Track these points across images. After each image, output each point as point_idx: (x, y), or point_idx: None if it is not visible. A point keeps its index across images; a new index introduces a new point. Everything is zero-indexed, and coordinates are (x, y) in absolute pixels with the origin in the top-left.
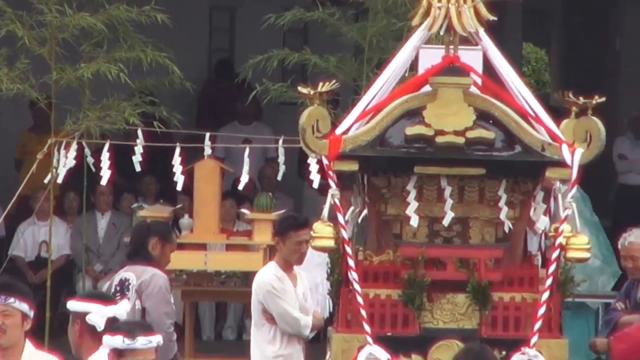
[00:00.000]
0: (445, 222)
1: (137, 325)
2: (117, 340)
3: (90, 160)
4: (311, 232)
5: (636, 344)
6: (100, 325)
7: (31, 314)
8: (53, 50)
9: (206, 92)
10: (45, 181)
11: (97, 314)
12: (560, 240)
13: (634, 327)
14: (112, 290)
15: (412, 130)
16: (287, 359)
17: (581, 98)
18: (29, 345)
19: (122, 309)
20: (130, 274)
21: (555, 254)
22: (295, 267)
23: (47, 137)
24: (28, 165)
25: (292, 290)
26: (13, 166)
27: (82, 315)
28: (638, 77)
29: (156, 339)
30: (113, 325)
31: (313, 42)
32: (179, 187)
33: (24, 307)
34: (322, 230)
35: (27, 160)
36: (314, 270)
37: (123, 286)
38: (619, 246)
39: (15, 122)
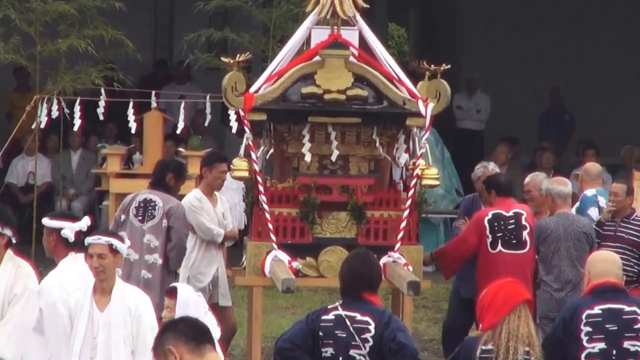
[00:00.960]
0: (333, 158)
1: (103, 231)
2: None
3: (66, 111)
4: (231, 166)
5: (450, 253)
6: (71, 237)
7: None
8: (37, 30)
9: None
10: (32, 127)
11: (69, 229)
12: (417, 171)
13: (450, 243)
14: (135, 204)
15: (306, 90)
16: (206, 260)
17: (432, 65)
18: (9, 254)
19: (84, 224)
20: (156, 197)
21: (413, 182)
22: (216, 192)
23: (30, 95)
24: (17, 116)
25: (210, 208)
26: (5, 115)
27: (57, 230)
28: (473, 47)
29: (108, 240)
30: (81, 236)
31: (232, 23)
32: (133, 131)
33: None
34: (239, 164)
35: (15, 113)
36: (232, 194)
37: (148, 204)
38: (472, 177)
39: (4, 85)
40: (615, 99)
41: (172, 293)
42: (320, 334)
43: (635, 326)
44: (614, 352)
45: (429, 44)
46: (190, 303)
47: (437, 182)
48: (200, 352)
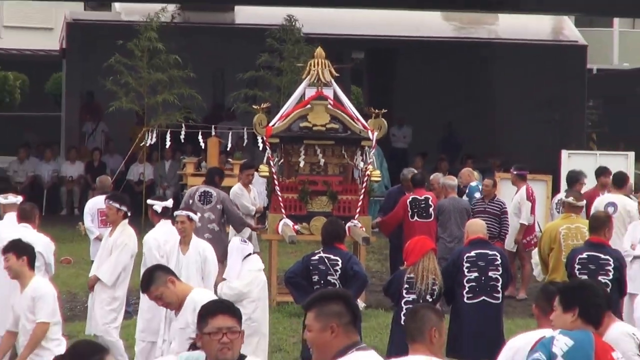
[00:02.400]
0: (321, 163)
1: (184, 208)
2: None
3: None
4: (259, 169)
5: (388, 221)
6: (159, 210)
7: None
8: (145, 89)
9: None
10: (141, 145)
11: (158, 206)
12: (367, 172)
13: (388, 216)
14: (197, 194)
15: (303, 124)
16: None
17: (376, 110)
18: (124, 222)
19: (170, 203)
20: (211, 190)
21: (365, 179)
22: (250, 185)
23: (142, 128)
24: (134, 140)
25: (247, 195)
26: (128, 139)
27: (152, 206)
28: (402, 99)
29: (187, 213)
30: (168, 209)
31: (259, 85)
32: (202, 148)
33: (123, 207)
34: (263, 169)
35: (134, 138)
36: (259, 185)
37: (207, 194)
38: (401, 176)
39: (127, 121)
40: (484, 130)
41: None
42: (310, 267)
43: (496, 262)
44: (483, 278)
45: (374, 97)
46: (233, 252)
47: (379, 179)
48: None
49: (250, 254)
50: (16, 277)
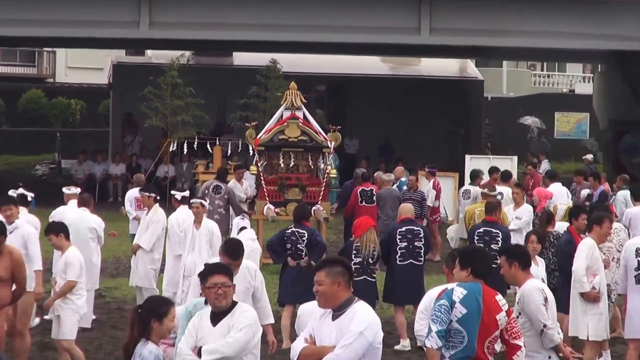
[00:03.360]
0: (291, 164)
1: (198, 197)
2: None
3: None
4: (249, 168)
5: (347, 206)
6: (178, 198)
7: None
8: (168, 111)
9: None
10: (166, 151)
11: (178, 195)
12: (327, 171)
13: (348, 204)
14: (211, 187)
15: (281, 137)
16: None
17: (333, 127)
18: (156, 205)
19: (187, 193)
20: (220, 184)
21: (325, 176)
22: (243, 180)
23: (166, 139)
24: (161, 147)
25: (240, 187)
26: (157, 147)
27: (173, 195)
28: (353, 118)
29: (200, 201)
30: (186, 197)
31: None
32: (210, 153)
33: (152, 194)
34: (253, 168)
35: (161, 146)
36: (250, 179)
37: (218, 187)
38: (354, 174)
39: (156, 134)
40: (411, 141)
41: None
42: (285, 238)
43: (420, 235)
44: (410, 246)
45: (332, 117)
46: (234, 226)
47: (335, 176)
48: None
49: (245, 227)
50: (58, 249)
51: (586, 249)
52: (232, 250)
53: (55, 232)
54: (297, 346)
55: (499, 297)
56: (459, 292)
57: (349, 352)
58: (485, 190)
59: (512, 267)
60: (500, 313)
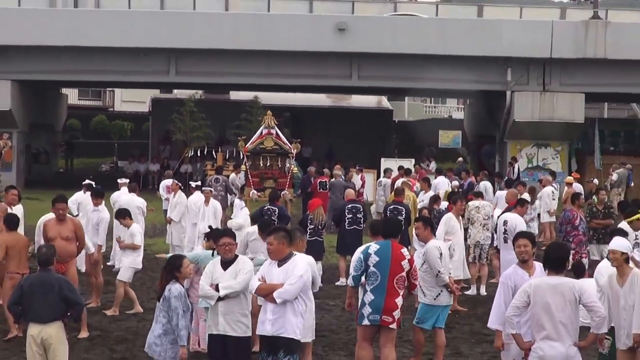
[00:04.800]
0: (268, 164)
1: (207, 185)
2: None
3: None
4: (242, 167)
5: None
6: (194, 186)
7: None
8: (187, 128)
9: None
10: (186, 155)
11: (193, 185)
12: (292, 169)
13: (311, 191)
14: (213, 179)
15: (262, 146)
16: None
17: (296, 140)
18: (179, 191)
19: (199, 183)
20: (220, 177)
21: (289, 172)
22: (238, 174)
23: (185, 147)
24: (182, 153)
25: (235, 177)
26: (179, 153)
27: (190, 185)
28: (309, 135)
29: (209, 188)
30: (199, 186)
31: (242, 128)
32: (215, 157)
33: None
34: (243, 167)
35: (182, 153)
36: (241, 174)
37: (217, 179)
38: (308, 170)
39: (180, 145)
40: (347, 149)
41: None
42: (263, 213)
43: (361, 210)
44: (354, 217)
45: (294, 134)
46: (237, 205)
47: (297, 172)
48: None
49: (244, 207)
50: (125, 225)
51: (446, 220)
52: (264, 227)
53: (123, 216)
54: (254, 283)
55: (404, 250)
56: (374, 247)
57: (294, 288)
58: (405, 179)
59: (426, 230)
60: (404, 260)
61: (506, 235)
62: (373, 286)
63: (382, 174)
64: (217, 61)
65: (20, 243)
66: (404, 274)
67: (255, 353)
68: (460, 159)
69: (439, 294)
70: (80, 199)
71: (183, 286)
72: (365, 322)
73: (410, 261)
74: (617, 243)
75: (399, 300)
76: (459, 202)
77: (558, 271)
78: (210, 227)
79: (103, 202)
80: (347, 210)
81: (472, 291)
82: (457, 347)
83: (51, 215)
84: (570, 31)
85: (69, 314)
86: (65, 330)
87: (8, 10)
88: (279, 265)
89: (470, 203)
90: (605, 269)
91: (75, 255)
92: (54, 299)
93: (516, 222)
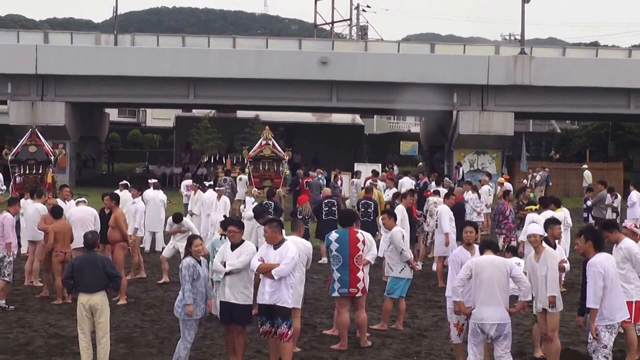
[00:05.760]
0: (266, 168)
1: (218, 185)
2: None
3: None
4: (246, 170)
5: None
6: (207, 185)
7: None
8: (203, 139)
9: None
10: (203, 161)
11: (207, 184)
12: (284, 172)
13: (303, 193)
14: (222, 180)
15: (262, 154)
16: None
17: (288, 149)
18: (199, 191)
19: (212, 183)
20: (228, 177)
21: (283, 174)
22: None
23: (202, 154)
24: (199, 158)
25: (245, 178)
26: (197, 159)
27: (205, 185)
28: (299, 143)
29: (221, 188)
30: (211, 185)
31: (247, 140)
32: (224, 162)
33: (196, 184)
34: (247, 170)
35: (199, 158)
36: (245, 176)
37: (226, 180)
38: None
39: (198, 153)
40: (330, 155)
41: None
42: (262, 206)
43: (335, 204)
44: (330, 209)
45: (287, 144)
46: (248, 201)
47: (288, 173)
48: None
49: (254, 202)
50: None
51: (399, 211)
52: (258, 215)
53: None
54: (255, 263)
55: (359, 234)
56: (333, 236)
57: (288, 267)
58: (372, 181)
59: (390, 219)
60: (359, 243)
61: (436, 222)
62: (338, 266)
63: (354, 175)
64: (226, 87)
65: (65, 229)
66: (361, 252)
67: (255, 315)
68: (421, 163)
69: (403, 268)
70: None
71: (199, 261)
72: (335, 294)
73: (364, 242)
74: (535, 228)
75: (360, 274)
76: (408, 197)
77: (494, 251)
78: (225, 216)
79: (140, 195)
80: (324, 205)
81: (434, 267)
82: (414, 311)
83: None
84: (503, 63)
85: (110, 285)
86: (107, 297)
87: (63, 47)
88: (275, 249)
89: (429, 198)
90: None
91: (119, 239)
92: (99, 274)
93: (443, 210)
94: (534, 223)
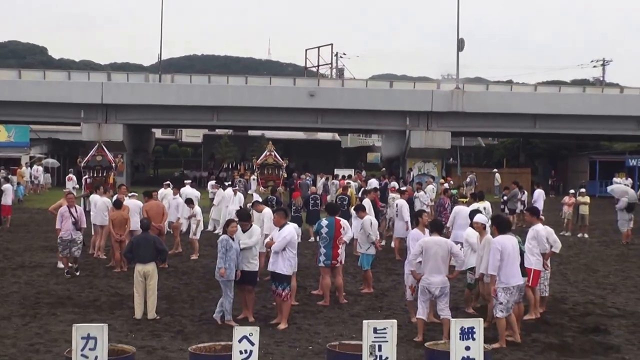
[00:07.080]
0: (270, 172)
1: (236, 185)
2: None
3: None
4: (255, 174)
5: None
6: (226, 184)
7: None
8: (223, 152)
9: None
10: (224, 166)
11: (226, 184)
12: (283, 175)
13: (300, 190)
14: (236, 180)
15: (265, 162)
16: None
17: (285, 158)
18: (219, 190)
19: (230, 183)
20: (240, 179)
21: (282, 177)
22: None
23: (223, 161)
24: (222, 165)
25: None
26: (219, 165)
27: (224, 185)
28: (295, 155)
29: (236, 187)
30: (230, 185)
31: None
32: (229, 169)
33: (218, 184)
34: (254, 174)
35: (221, 164)
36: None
37: (240, 182)
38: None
39: (220, 160)
40: (316, 163)
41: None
42: (267, 200)
43: (318, 199)
44: (315, 202)
45: (286, 154)
46: (257, 198)
47: (286, 177)
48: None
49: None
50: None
51: (366, 204)
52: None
53: (191, 203)
54: (266, 241)
55: (343, 221)
56: (324, 222)
57: (280, 244)
58: (350, 181)
59: (362, 212)
60: (341, 228)
61: (397, 212)
62: (325, 244)
63: (333, 178)
64: (241, 113)
65: (121, 217)
66: (341, 235)
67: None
68: (384, 169)
69: (369, 247)
70: (163, 193)
71: (232, 238)
72: (321, 264)
73: (344, 227)
74: (478, 217)
75: (340, 250)
76: (372, 193)
77: (439, 232)
78: (240, 207)
79: (179, 193)
80: (310, 199)
81: (392, 244)
82: (378, 277)
83: (148, 201)
84: (443, 96)
85: (158, 257)
86: (156, 266)
87: (122, 83)
88: (279, 230)
89: (391, 194)
90: (473, 232)
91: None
92: (151, 248)
93: (402, 204)
94: (480, 214)
